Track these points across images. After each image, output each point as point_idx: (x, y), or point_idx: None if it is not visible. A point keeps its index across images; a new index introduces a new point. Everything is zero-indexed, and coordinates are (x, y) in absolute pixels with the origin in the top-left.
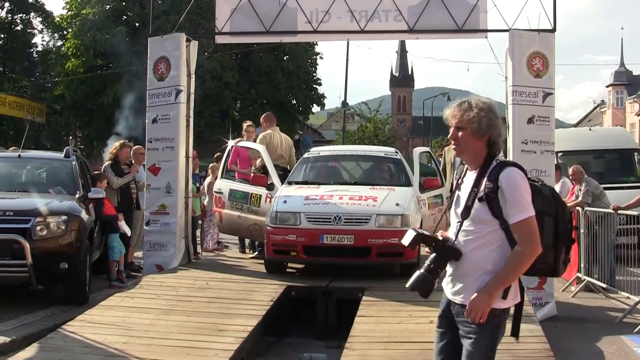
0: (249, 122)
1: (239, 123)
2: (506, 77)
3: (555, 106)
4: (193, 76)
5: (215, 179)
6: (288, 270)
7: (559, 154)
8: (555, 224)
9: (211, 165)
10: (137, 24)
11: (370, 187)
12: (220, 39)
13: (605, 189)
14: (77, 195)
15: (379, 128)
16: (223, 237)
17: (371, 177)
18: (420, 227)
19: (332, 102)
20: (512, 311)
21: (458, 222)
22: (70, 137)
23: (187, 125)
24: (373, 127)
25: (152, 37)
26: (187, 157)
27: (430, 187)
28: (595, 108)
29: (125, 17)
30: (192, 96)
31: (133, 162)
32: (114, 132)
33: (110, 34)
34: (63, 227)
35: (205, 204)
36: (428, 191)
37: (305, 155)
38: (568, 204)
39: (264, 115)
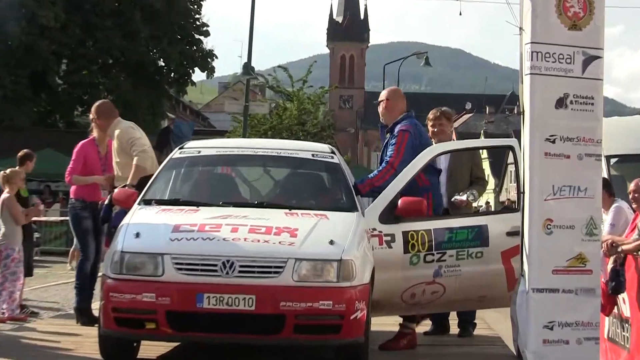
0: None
1: (64, 99)
2: (521, 28)
3: (608, 79)
4: None
5: (18, 194)
6: (141, 356)
7: (612, 160)
8: None
9: (5, 173)
10: None
11: (287, 211)
12: None
13: None
14: None
15: (308, 111)
16: (30, 298)
17: (289, 194)
18: (372, 281)
19: (228, 64)
20: None
21: None
22: None
23: None
24: (297, 108)
25: None
26: None
27: (410, 213)
28: None
29: None
30: None
31: None
32: None
33: None
34: None
35: None
36: (409, 221)
37: (176, 154)
38: (625, 247)
39: (98, 105)
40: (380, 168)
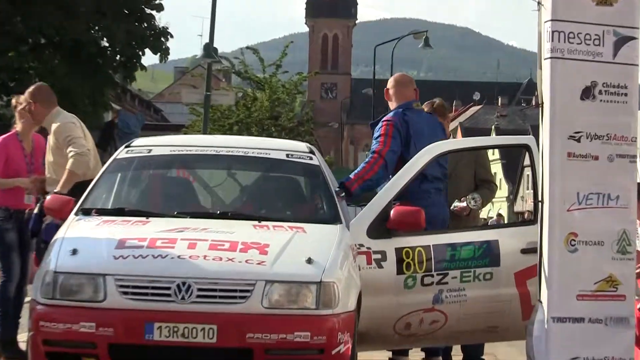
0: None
1: None
2: (539, 3)
3: None
4: None
5: None
6: None
7: None
8: None
9: None
10: None
11: (256, 223)
12: None
13: None
14: None
15: (282, 102)
16: None
17: (259, 202)
18: (358, 308)
19: (186, 45)
20: None
21: None
22: None
23: None
24: (269, 99)
25: None
26: None
27: (405, 226)
28: None
29: None
30: None
31: None
32: None
33: None
34: None
35: None
36: (404, 236)
37: (122, 153)
38: None
39: (36, 87)
40: (367, 159)
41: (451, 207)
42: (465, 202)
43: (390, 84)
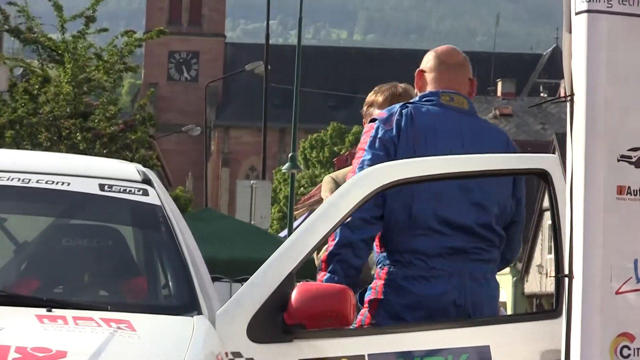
0: None
1: None
2: None
3: None
4: None
5: None
6: None
7: None
8: None
9: None
10: None
11: (44, 312)
12: None
13: None
14: None
15: (97, 86)
16: None
17: (48, 275)
18: None
19: None
20: None
21: None
22: None
23: None
24: (71, 80)
25: None
26: None
27: (317, 320)
28: None
29: None
30: None
31: None
32: None
33: None
34: None
35: None
36: (315, 337)
37: None
38: None
39: None
40: None
41: None
42: None
43: (426, 61)
